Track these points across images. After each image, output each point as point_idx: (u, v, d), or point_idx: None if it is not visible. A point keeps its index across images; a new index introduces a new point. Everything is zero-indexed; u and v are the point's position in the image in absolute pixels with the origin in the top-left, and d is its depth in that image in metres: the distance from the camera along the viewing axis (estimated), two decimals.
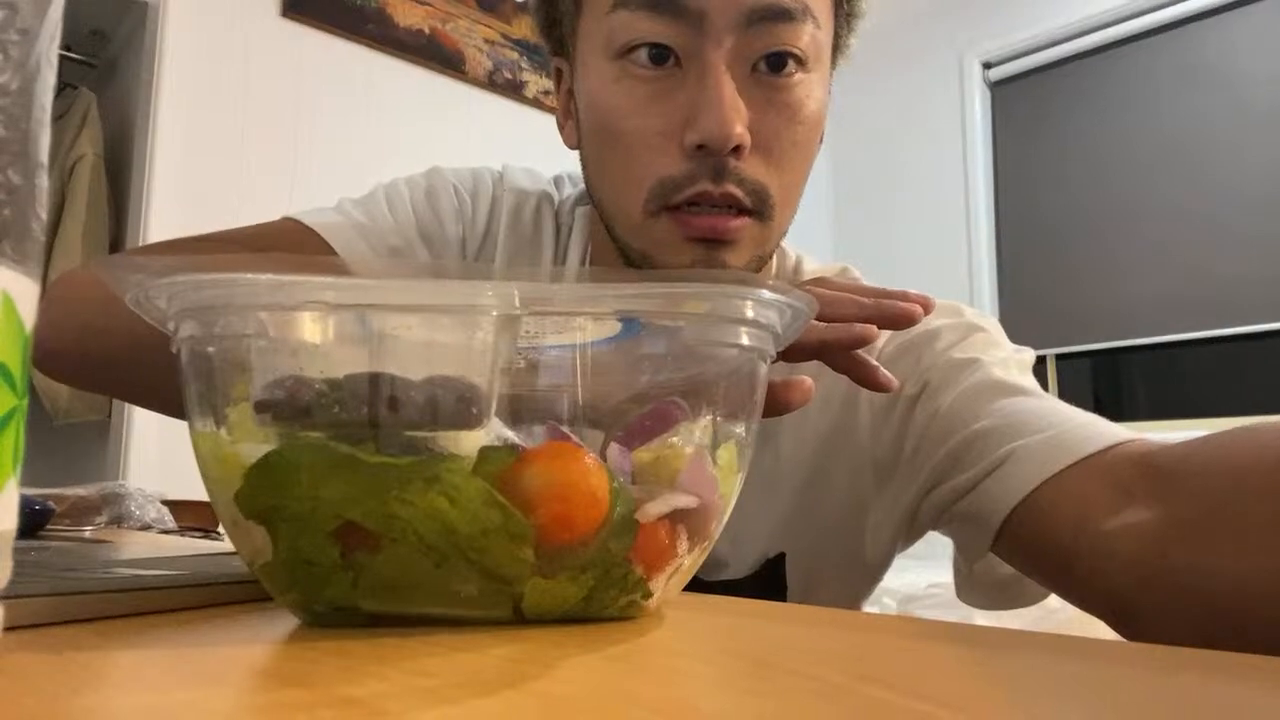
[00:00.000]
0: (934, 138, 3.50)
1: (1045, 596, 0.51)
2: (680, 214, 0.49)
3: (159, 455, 1.98)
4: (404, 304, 0.25)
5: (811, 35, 0.50)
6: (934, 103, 3.51)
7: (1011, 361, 0.54)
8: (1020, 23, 3.31)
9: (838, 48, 0.57)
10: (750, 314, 0.27)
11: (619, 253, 0.54)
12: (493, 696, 0.18)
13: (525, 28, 2.74)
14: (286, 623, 0.27)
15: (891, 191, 3.62)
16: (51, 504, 0.80)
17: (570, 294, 0.26)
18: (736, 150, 0.47)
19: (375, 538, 0.24)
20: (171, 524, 0.98)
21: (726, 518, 0.30)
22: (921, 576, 2.07)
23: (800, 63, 0.50)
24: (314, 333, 0.24)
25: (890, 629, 0.28)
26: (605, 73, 0.50)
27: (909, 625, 0.29)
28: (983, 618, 1.47)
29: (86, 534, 0.78)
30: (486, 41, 2.62)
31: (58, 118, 2.23)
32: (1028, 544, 0.46)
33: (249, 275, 0.23)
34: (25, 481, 0.19)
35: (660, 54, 0.48)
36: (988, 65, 3.43)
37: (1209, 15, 2.92)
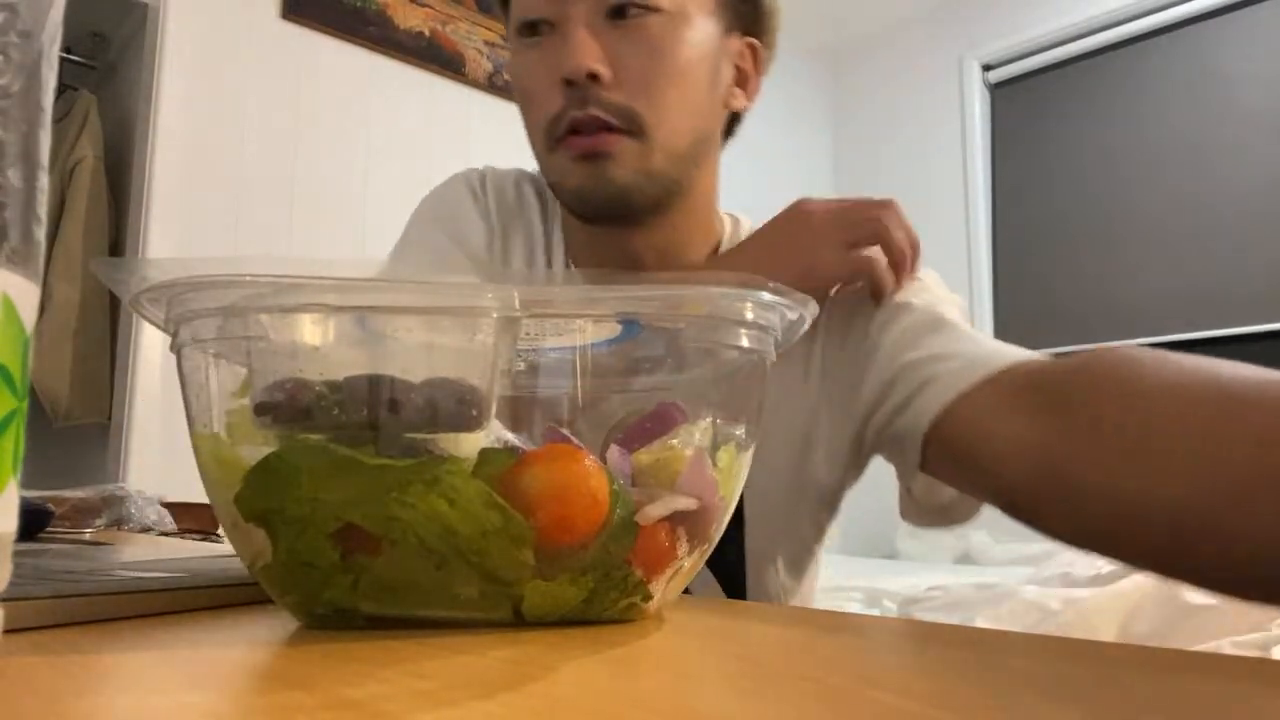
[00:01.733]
0: (934, 139, 3.50)
1: (977, 511, 0.58)
2: (565, 141, 0.58)
3: (159, 458, 1.98)
4: (404, 306, 0.25)
5: None
6: (934, 104, 3.51)
7: (945, 302, 0.63)
8: (1020, 25, 3.31)
9: (749, 7, 0.65)
10: (750, 316, 0.27)
11: (564, 209, 0.65)
12: (492, 699, 0.18)
13: None
14: (286, 625, 0.27)
15: (891, 192, 3.59)
16: (51, 506, 0.80)
17: (571, 296, 0.26)
18: (596, 79, 0.57)
19: (375, 540, 0.24)
20: (171, 526, 0.98)
21: (727, 520, 0.30)
22: (922, 579, 2.07)
23: (647, 9, 0.58)
24: (314, 335, 0.24)
25: (890, 631, 0.28)
26: (515, 48, 0.62)
27: (909, 627, 0.29)
28: (983, 620, 1.47)
29: (86, 536, 0.78)
30: (486, 43, 2.63)
31: (58, 120, 2.23)
32: (947, 456, 0.52)
33: (249, 277, 0.23)
34: (25, 484, 0.19)
35: (540, 25, 0.60)
36: (988, 67, 3.43)
37: (1208, 18, 2.92)
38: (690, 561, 0.28)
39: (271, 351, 0.24)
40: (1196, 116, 2.91)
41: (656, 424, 0.28)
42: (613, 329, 0.26)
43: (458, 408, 0.24)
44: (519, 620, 0.26)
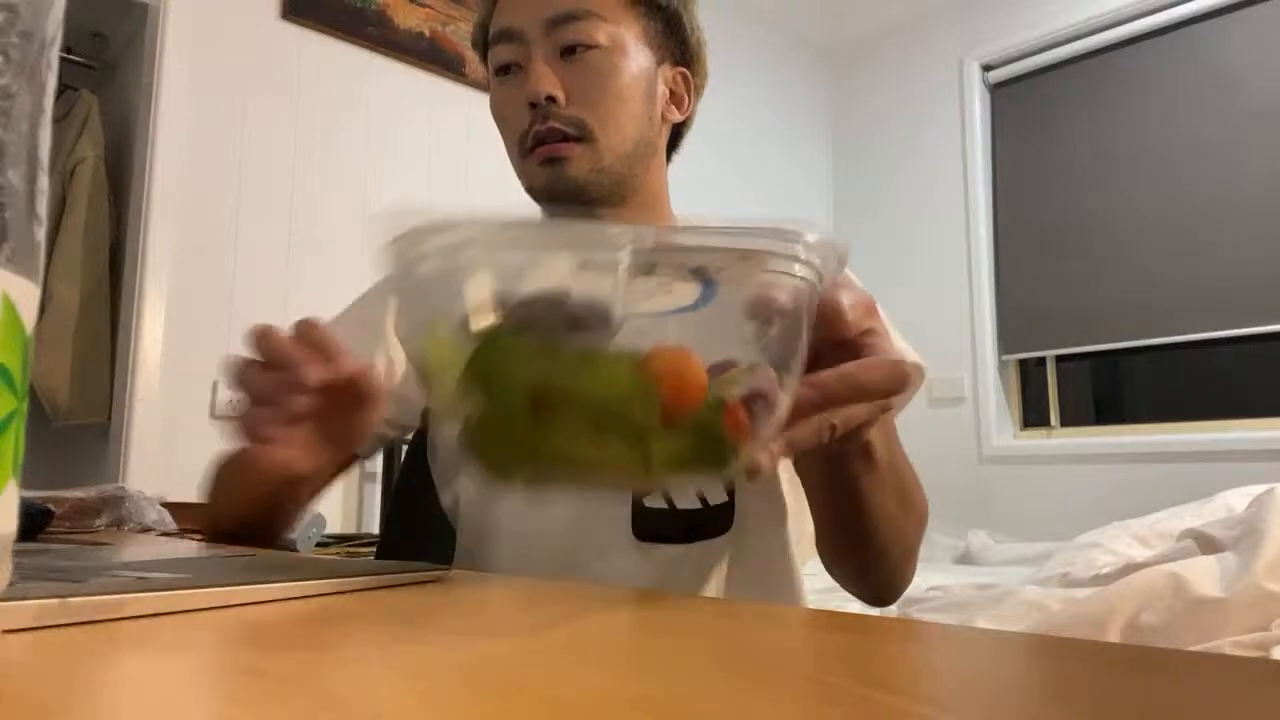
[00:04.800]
0: (934, 139, 3.50)
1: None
2: (533, 151, 0.75)
3: (159, 457, 1.98)
4: (565, 242, 0.36)
5: (596, 25, 0.74)
6: (934, 105, 3.51)
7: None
8: (1020, 25, 3.31)
9: (677, 42, 0.81)
10: (801, 254, 0.35)
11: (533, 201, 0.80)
12: (492, 698, 0.18)
13: None
14: (285, 625, 0.27)
15: (891, 192, 3.62)
16: (51, 506, 0.80)
17: (688, 237, 0.37)
18: (554, 100, 0.73)
19: (554, 406, 0.32)
20: (172, 526, 0.98)
21: (785, 412, 0.37)
22: (922, 579, 2.07)
23: (589, 47, 0.74)
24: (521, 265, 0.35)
25: (890, 631, 0.28)
26: (493, 87, 0.79)
27: (909, 627, 0.30)
28: (983, 620, 1.47)
29: (86, 537, 0.78)
30: None
31: (58, 120, 2.23)
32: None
33: (493, 224, 0.34)
34: (25, 484, 0.19)
35: (510, 67, 0.77)
36: (988, 68, 3.43)
37: (1209, 17, 2.92)
38: (763, 436, 0.36)
39: (497, 274, 0.35)
40: (1197, 116, 2.91)
41: (719, 368, 0.36)
42: (693, 291, 0.34)
43: (601, 315, 0.33)
44: (647, 474, 0.35)
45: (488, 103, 0.81)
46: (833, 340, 0.40)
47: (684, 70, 0.83)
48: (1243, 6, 2.86)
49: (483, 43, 0.82)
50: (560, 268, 0.34)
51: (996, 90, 3.45)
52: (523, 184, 0.78)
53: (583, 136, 0.74)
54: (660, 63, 0.80)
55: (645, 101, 0.78)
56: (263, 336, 0.48)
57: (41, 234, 0.17)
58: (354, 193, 2.35)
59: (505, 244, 0.35)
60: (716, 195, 3.05)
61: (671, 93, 0.82)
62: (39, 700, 0.17)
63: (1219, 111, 2.86)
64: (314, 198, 2.27)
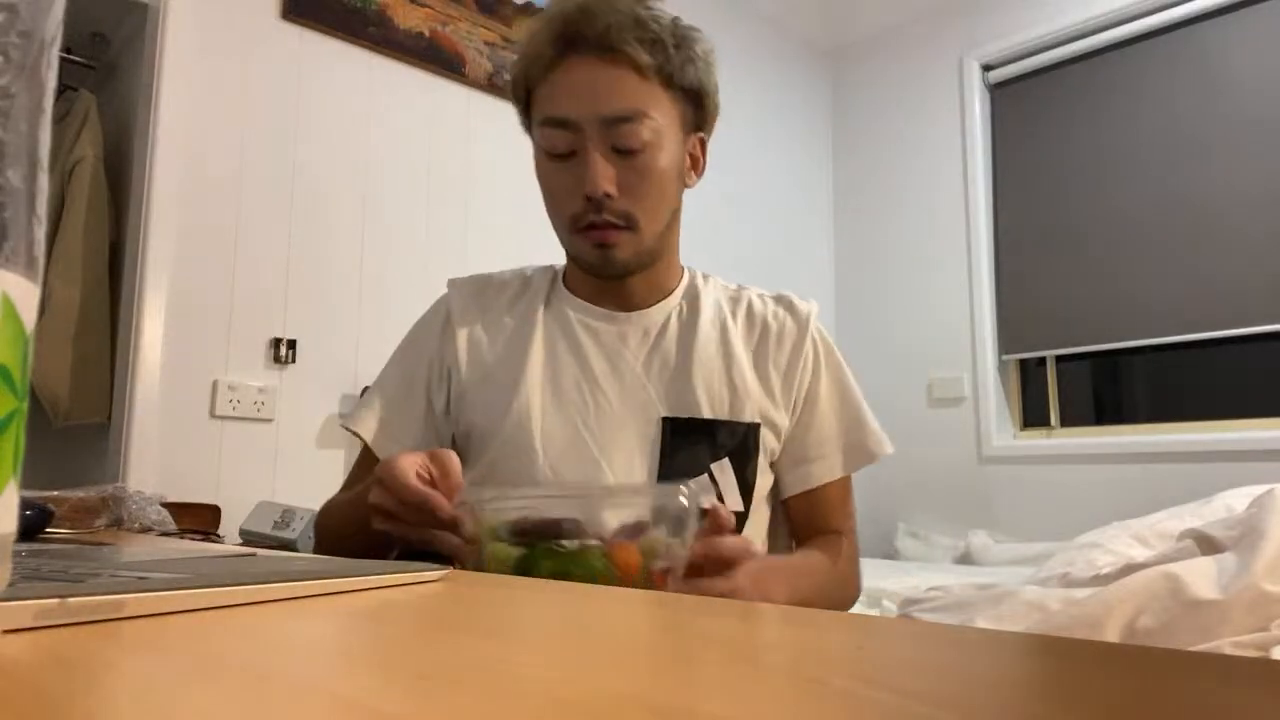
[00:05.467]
0: (934, 140, 3.50)
1: None
2: (585, 231, 0.87)
3: (159, 458, 1.98)
4: (565, 494, 0.72)
5: (647, 127, 0.84)
6: (934, 105, 3.51)
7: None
8: (1020, 25, 3.31)
9: (700, 114, 0.91)
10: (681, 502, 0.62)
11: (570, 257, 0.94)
12: (493, 698, 0.18)
13: (525, 30, 2.74)
14: (284, 625, 0.27)
15: (892, 193, 3.62)
16: (51, 506, 0.80)
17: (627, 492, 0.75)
18: (607, 196, 0.84)
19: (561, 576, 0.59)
20: (172, 526, 0.98)
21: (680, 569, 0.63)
22: (922, 579, 2.07)
23: (640, 149, 0.84)
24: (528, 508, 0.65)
25: (890, 631, 0.28)
26: (540, 155, 0.89)
27: (909, 627, 0.29)
28: (983, 620, 1.47)
29: (86, 536, 0.78)
30: (486, 44, 2.63)
31: (58, 120, 2.23)
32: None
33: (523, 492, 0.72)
34: (25, 484, 0.19)
35: (565, 154, 0.86)
36: (988, 68, 3.43)
37: (1209, 18, 2.92)
38: (671, 583, 0.62)
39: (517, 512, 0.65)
40: (1197, 116, 2.91)
41: (635, 531, 0.63)
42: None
43: (578, 530, 0.63)
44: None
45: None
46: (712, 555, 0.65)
47: (702, 135, 0.92)
48: (1241, 7, 2.86)
49: (523, 99, 0.90)
50: (558, 510, 0.64)
51: (996, 90, 3.45)
52: (568, 250, 0.91)
53: (629, 225, 0.86)
54: (686, 135, 0.90)
55: (677, 180, 0.90)
56: (395, 484, 0.66)
57: (41, 233, 0.17)
58: (354, 193, 2.34)
59: (527, 499, 0.66)
60: (717, 196, 3.05)
61: (691, 157, 0.92)
62: (39, 700, 0.17)
63: (1219, 111, 2.86)
64: (313, 197, 2.27)
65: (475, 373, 0.92)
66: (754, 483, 0.89)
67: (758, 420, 0.90)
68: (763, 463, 0.90)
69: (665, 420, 0.88)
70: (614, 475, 0.85)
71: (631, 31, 0.83)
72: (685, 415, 0.88)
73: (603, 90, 0.83)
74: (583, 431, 0.87)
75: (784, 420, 0.92)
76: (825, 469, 0.92)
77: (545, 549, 0.61)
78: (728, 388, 0.90)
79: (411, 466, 0.66)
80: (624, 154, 0.84)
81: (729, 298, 0.98)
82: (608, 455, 0.86)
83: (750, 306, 0.97)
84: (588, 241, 0.86)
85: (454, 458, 0.67)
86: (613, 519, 0.63)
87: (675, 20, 0.87)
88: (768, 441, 0.91)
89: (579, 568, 0.59)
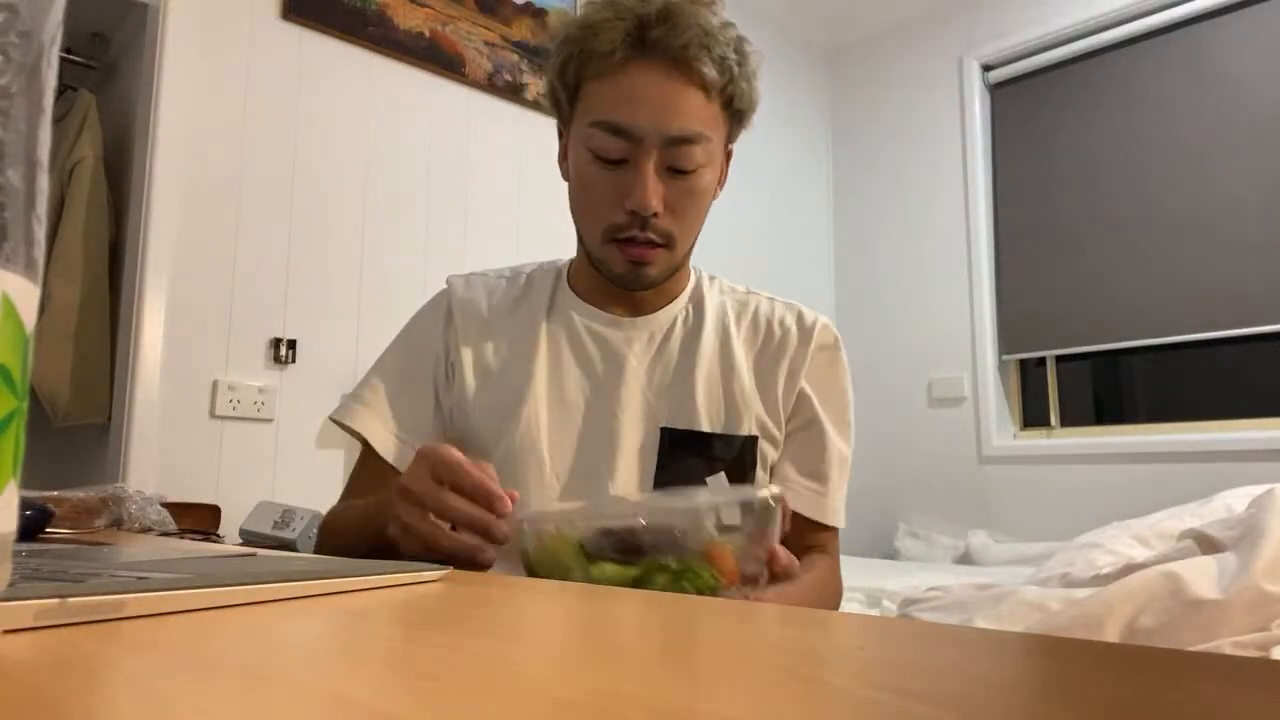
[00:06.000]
0: (934, 140, 3.50)
1: None
2: (621, 244, 0.84)
3: (159, 458, 1.98)
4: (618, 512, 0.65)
5: (704, 148, 0.82)
6: (934, 105, 3.51)
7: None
8: (1020, 25, 3.31)
9: (739, 129, 0.90)
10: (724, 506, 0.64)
11: (588, 261, 0.91)
12: (493, 698, 0.18)
13: (525, 30, 2.74)
14: (284, 625, 0.27)
15: (892, 193, 3.62)
16: (51, 506, 0.80)
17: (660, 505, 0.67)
18: (654, 214, 0.81)
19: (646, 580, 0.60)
20: (172, 526, 0.98)
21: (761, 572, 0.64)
22: (922, 579, 2.07)
23: (695, 168, 0.82)
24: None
25: (890, 631, 0.28)
26: (584, 154, 0.84)
27: (909, 627, 0.30)
28: (983, 620, 1.47)
29: (86, 537, 0.78)
30: (487, 44, 2.63)
31: (58, 120, 2.23)
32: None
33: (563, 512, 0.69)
34: (25, 484, 0.19)
35: (617, 160, 0.82)
36: (988, 68, 3.43)
37: (1208, 18, 2.92)
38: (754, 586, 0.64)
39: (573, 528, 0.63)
40: (1197, 116, 2.91)
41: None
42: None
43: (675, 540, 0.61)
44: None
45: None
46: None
47: (731, 147, 0.91)
48: (1242, 7, 2.86)
49: (572, 87, 0.86)
50: (649, 520, 0.62)
51: (996, 90, 3.45)
52: (592, 254, 0.88)
53: (667, 244, 0.84)
54: (723, 149, 0.89)
55: (712, 197, 0.89)
56: (459, 468, 0.61)
57: (41, 234, 0.17)
58: (354, 192, 2.34)
59: (568, 516, 0.64)
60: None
61: (721, 170, 0.90)
62: (39, 700, 0.17)
63: (1219, 112, 2.86)
64: (313, 197, 2.27)
65: (478, 375, 0.90)
66: None
67: (755, 433, 0.89)
68: (761, 475, 0.89)
69: (664, 430, 0.87)
70: (615, 483, 0.84)
71: (704, 47, 0.79)
72: (684, 426, 0.88)
73: (671, 106, 0.80)
74: (586, 439, 0.86)
75: (782, 432, 0.91)
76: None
77: (655, 564, 0.59)
78: (725, 398, 0.89)
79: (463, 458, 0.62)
80: (676, 173, 0.82)
81: (735, 302, 0.96)
82: (609, 463, 0.85)
83: (756, 311, 0.96)
84: (623, 255, 0.84)
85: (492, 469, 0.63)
86: (702, 528, 0.62)
87: (736, 32, 0.84)
88: (766, 453, 0.90)
89: (690, 584, 0.59)
